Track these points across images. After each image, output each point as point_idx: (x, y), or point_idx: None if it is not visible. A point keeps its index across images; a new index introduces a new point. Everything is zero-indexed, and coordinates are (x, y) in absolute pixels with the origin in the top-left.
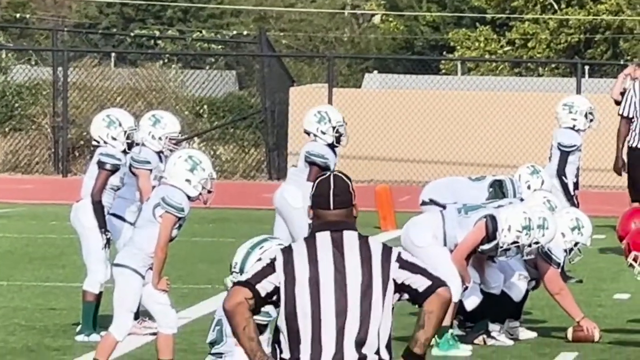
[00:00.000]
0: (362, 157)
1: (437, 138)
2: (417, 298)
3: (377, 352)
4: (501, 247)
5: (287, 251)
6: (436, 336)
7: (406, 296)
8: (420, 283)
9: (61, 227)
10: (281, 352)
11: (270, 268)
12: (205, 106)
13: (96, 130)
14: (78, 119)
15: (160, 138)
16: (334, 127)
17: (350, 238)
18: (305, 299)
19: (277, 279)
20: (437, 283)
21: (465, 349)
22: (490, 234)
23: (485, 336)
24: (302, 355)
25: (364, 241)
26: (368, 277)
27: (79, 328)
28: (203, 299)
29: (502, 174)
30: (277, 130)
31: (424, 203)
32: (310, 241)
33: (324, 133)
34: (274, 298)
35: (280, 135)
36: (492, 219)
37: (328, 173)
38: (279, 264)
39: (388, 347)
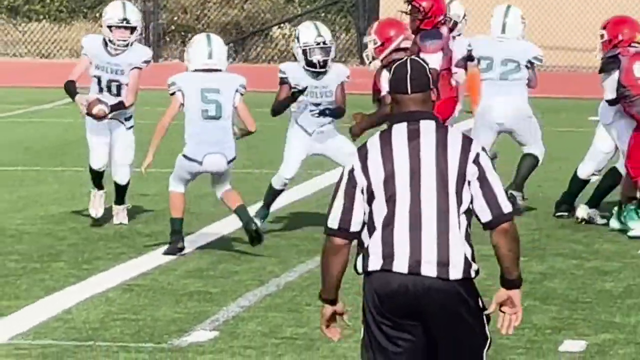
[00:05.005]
0: None
1: (532, 22)
2: (480, 221)
3: (457, 253)
4: None
5: (363, 154)
6: (617, 209)
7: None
8: (482, 212)
9: (152, 112)
10: (359, 250)
11: (353, 188)
12: None
13: None
14: (169, 4)
15: None
16: (302, 49)
17: (427, 130)
18: (381, 198)
19: (359, 190)
20: (497, 219)
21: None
22: None
23: None
24: (374, 249)
25: (442, 134)
26: (444, 173)
27: None
28: (295, 184)
29: None
30: (367, 14)
31: None
32: (386, 137)
33: (297, 54)
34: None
35: (371, 20)
36: None
37: (405, 57)
38: (358, 172)
39: (467, 246)
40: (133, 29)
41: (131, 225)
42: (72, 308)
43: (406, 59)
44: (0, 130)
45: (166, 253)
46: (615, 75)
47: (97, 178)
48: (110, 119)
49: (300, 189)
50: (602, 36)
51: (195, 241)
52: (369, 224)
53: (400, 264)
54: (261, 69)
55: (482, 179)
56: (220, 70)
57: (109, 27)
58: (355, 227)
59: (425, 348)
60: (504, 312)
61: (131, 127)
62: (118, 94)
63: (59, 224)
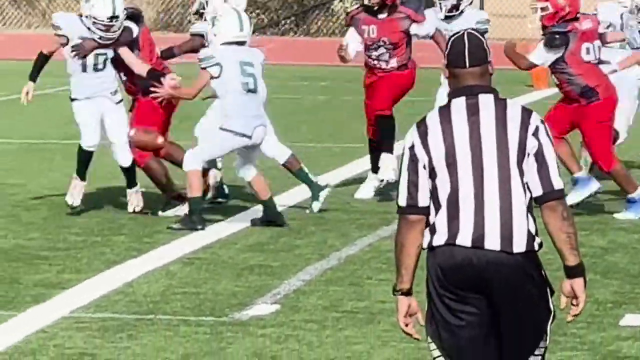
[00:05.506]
0: (515, 15)
1: None
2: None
3: (520, 226)
4: None
5: (423, 129)
6: None
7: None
8: (534, 186)
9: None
10: (428, 224)
11: (414, 163)
12: None
13: None
14: None
15: None
16: None
17: (486, 104)
18: (444, 174)
19: (421, 165)
20: (547, 195)
21: None
22: None
23: None
24: (439, 225)
25: (501, 107)
26: (505, 146)
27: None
28: (356, 158)
29: None
30: None
31: None
32: (445, 112)
33: None
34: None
35: None
36: None
37: (462, 31)
38: (418, 148)
39: (530, 219)
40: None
41: None
42: (133, 281)
43: (463, 33)
44: (66, 102)
45: (179, 228)
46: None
47: (84, 163)
48: (96, 96)
49: (360, 162)
50: (544, 9)
51: (255, 215)
52: (433, 201)
53: (464, 238)
54: (322, 43)
55: (539, 153)
56: (245, 43)
57: (95, 23)
58: (423, 201)
59: (489, 322)
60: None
61: (120, 101)
62: (104, 68)
63: (120, 197)
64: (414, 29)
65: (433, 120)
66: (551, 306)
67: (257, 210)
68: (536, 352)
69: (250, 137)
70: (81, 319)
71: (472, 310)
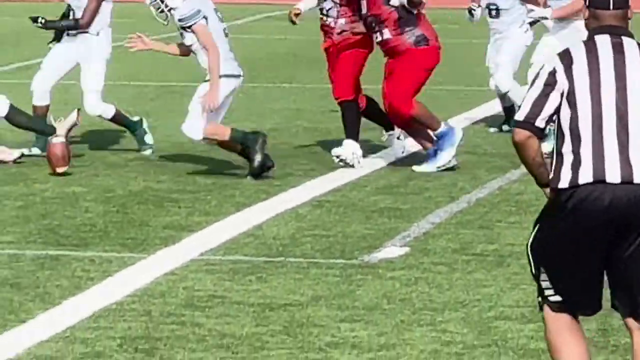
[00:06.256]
0: None
1: None
2: None
3: None
4: None
5: (567, 57)
6: None
7: None
8: None
9: None
10: (561, 162)
11: (550, 87)
12: None
13: None
14: None
15: None
16: None
17: (630, 45)
18: (587, 105)
19: (559, 92)
20: None
21: None
22: None
23: None
24: (583, 160)
25: None
26: None
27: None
28: (485, 101)
29: None
30: None
31: None
32: (590, 45)
33: None
34: (556, 113)
35: None
36: None
37: None
38: (560, 75)
39: None
40: None
41: (322, 140)
42: (262, 224)
43: None
44: None
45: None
46: None
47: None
48: None
49: (486, 107)
50: None
51: (385, 157)
52: (573, 133)
53: (613, 174)
54: None
55: None
56: None
57: None
58: (540, 122)
59: (610, 260)
60: None
61: None
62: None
63: None
64: None
65: (579, 51)
66: None
67: (386, 154)
68: None
69: (242, 77)
70: (210, 262)
71: (599, 249)
